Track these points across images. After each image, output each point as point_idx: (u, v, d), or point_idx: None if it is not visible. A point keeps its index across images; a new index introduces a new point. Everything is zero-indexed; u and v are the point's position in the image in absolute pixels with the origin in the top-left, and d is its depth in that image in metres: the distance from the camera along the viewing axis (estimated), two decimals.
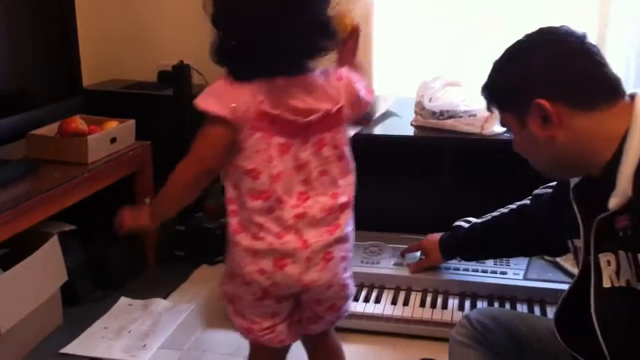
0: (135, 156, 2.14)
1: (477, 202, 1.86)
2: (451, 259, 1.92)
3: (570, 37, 1.16)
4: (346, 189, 1.34)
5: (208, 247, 2.32)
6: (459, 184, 2.20)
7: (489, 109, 1.27)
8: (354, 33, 1.37)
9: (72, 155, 1.94)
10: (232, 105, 1.24)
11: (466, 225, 1.81)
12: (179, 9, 2.77)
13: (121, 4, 2.85)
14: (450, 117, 2.15)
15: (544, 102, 1.12)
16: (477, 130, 2.09)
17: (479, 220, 1.78)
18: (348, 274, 1.39)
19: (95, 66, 2.69)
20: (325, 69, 1.31)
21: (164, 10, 2.81)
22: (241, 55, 1.26)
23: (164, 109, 2.57)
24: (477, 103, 2.10)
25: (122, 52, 2.87)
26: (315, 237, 1.30)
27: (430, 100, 2.18)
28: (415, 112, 2.23)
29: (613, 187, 1.08)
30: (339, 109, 1.29)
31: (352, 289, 1.43)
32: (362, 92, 1.35)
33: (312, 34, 1.24)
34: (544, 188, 1.50)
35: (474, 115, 2.10)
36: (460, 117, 2.13)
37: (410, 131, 2.22)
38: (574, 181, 1.25)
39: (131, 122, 2.15)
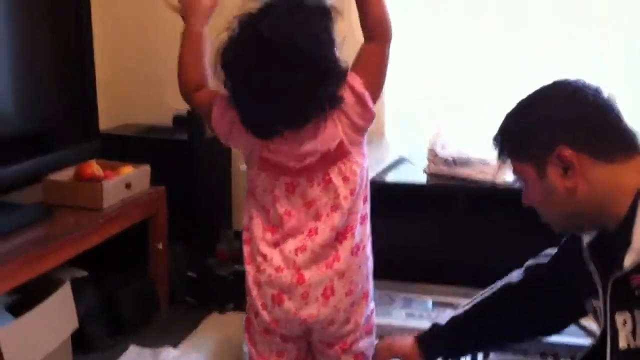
0: (150, 201, 2.15)
1: (489, 250, 1.85)
2: None
3: (587, 90, 1.17)
4: (351, 221, 1.32)
5: (219, 295, 2.31)
6: (472, 232, 2.18)
7: (500, 158, 1.25)
8: None
9: (87, 200, 1.95)
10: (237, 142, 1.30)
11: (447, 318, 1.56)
12: None
13: (137, 48, 2.90)
14: (463, 165, 2.15)
15: (568, 150, 1.11)
16: (489, 178, 2.09)
17: (461, 310, 1.54)
18: (361, 309, 1.35)
19: (111, 110, 2.73)
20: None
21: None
22: (236, 105, 1.26)
23: (178, 153, 2.59)
24: (490, 152, 2.10)
25: (137, 96, 2.91)
26: (313, 271, 1.29)
27: (443, 147, 2.18)
28: (428, 160, 2.24)
29: (628, 244, 1.07)
30: (339, 144, 1.28)
31: (371, 326, 1.39)
32: (355, 118, 1.29)
33: (306, 97, 1.22)
34: (535, 258, 1.46)
35: (487, 164, 2.10)
36: (473, 164, 2.13)
37: (423, 178, 2.22)
38: (586, 239, 1.23)
39: (146, 168, 2.17)
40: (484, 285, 1.88)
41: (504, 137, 1.20)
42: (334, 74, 1.23)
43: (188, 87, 1.37)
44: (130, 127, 2.78)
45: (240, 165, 2.38)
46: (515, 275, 1.50)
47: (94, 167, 2.04)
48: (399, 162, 2.38)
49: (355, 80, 1.27)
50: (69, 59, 2.16)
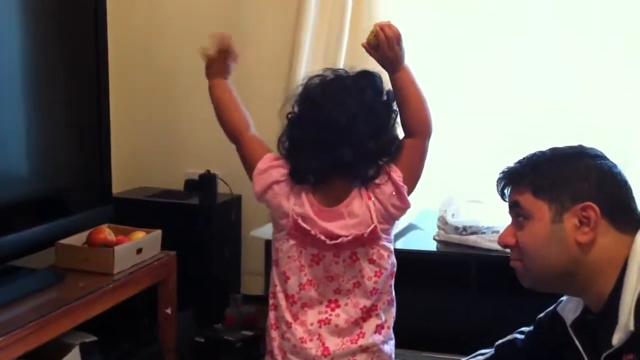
0: (160, 266, 2.15)
1: (500, 318, 1.84)
2: None
3: (610, 162, 1.21)
4: (376, 301, 1.37)
5: None
6: (482, 300, 2.18)
7: (514, 184, 1.26)
8: (379, 36, 1.37)
9: (99, 265, 1.96)
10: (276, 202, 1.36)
11: None
12: (207, 119, 2.83)
13: (151, 114, 2.96)
14: (473, 232, 2.17)
15: (596, 209, 1.12)
16: (500, 247, 2.09)
17: None
18: None
19: (124, 174, 2.76)
20: (365, 179, 1.35)
21: (193, 120, 2.90)
22: (292, 157, 1.36)
23: (189, 217, 2.61)
24: (500, 220, 2.12)
25: (150, 160, 2.95)
26: (338, 344, 1.33)
27: (453, 215, 2.20)
28: (438, 227, 2.25)
29: (616, 322, 1.07)
30: (372, 230, 1.32)
31: None
32: (390, 208, 1.36)
33: (363, 157, 1.33)
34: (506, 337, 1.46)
35: (497, 232, 2.11)
36: (483, 233, 2.15)
37: (432, 246, 2.23)
38: (569, 318, 1.24)
39: (157, 233, 2.18)
40: None
41: (533, 169, 1.23)
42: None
43: (236, 128, 1.46)
44: (142, 191, 2.81)
45: (250, 232, 2.39)
46: (484, 354, 1.49)
47: (106, 233, 2.06)
48: (408, 228, 2.39)
49: (396, 173, 1.35)
50: (85, 123, 2.19)
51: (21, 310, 1.71)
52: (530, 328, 1.45)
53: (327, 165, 1.32)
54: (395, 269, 1.42)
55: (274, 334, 1.37)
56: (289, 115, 1.39)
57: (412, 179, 1.38)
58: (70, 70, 2.12)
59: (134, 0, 2.88)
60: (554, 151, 1.26)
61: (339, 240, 1.32)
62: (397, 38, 1.37)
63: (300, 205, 1.33)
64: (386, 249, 1.37)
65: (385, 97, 1.37)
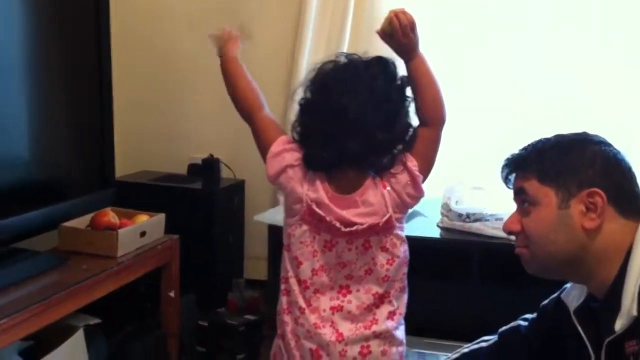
0: (164, 250, 2.16)
1: (502, 305, 1.84)
2: None
3: (615, 148, 1.22)
4: (389, 288, 1.38)
5: (230, 345, 2.30)
6: (485, 287, 2.18)
7: (520, 170, 1.25)
8: (393, 23, 1.36)
9: (102, 248, 1.96)
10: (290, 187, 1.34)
11: None
12: (210, 103, 2.85)
13: (154, 98, 2.95)
14: (476, 220, 2.16)
15: (603, 195, 1.13)
16: (503, 234, 2.09)
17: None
18: None
19: (127, 158, 2.76)
20: (379, 168, 1.35)
21: (196, 105, 2.90)
22: (304, 143, 1.35)
23: (192, 201, 2.61)
24: (503, 207, 2.12)
25: (153, 144, 2.95)
26: (351, 330, 1.34)
27: (457, 202, 2.20)
28: (442, 214, 2.25)
29: (619, 308, 1.07)
30: (387, 219, 1.33)
31: None
32: (405, 197, 1.36)
33: (372, 149, 1.32)
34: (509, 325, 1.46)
35: (501, 219, 2.11)
36: (487, 220, 2.14)
37: (436, 233, 2.23)
38: (573, 305, 1.24)
39: (161, 216, 2.18)
40: None
41: (539, 156, 1.23)
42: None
43: (251, 105, 1.44)
44: (145, 174, 2.80)
45: (254, 216, 2.39)
46: (487, 340, 1.49)
47: (110, 216, 2.06)
48: (411, 215, 2.39)
49: (412, 162, 1.34)
50: (87, 106, 2.19)
51: (25, 292, 1.71)
52: (534, 315, 1.45)
53: (334, 155, 1.31)
54: (408, 258, 1.42)
55: (287, 318, 1.36)
56: (302, 101, 1.38)
57: (426, 168, 1.38)
58: (72, 54, 2.11)
59: None
60: (559, 138, 1.26)
61: (354, 228, 1.31)
62: (412, 25, 1.36)
63: (315, 191, 1.32)
64: (399, 237, 1.37)
65: (399, 83, 1.35)
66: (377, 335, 1.35)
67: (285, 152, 1.35)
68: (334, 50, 2.63)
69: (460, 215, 2.18)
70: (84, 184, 2.16)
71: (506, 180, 1.31)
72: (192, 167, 2.84)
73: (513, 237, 1.94)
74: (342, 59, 1.37)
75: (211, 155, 2.79)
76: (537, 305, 1.65)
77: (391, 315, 1.38)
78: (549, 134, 2.43)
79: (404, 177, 1.34)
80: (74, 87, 2.12)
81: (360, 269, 1.35)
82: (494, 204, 2.15)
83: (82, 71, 2.15)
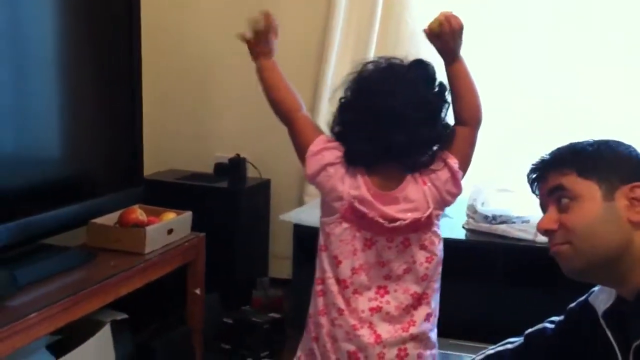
0: (190, 247, 2.18)
1: (527, 308, 1.83)
2: None
3: None
4: (426, 288, 1.38)
5: (254, 342, 2.31)
6: (510, 289, 2.17)
7: (540, 178, 1.25)
8: (443, 26, 1.37)
9: (130, 245, 1.98)
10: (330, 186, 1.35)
11: None
12: (237, 103, 2.87)
13: (182, 97, 2.98)
14: (502, 222, 2.16)
15: None
16: (530, 237, 2.09)
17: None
18: None
19: (154, 157, 2.78)
20: (419, 166, 1.36)
21: (223, 105, 2.92)
22: (346, 140, 1.36)
23: (218, 200, 2.63)
24: (530, 209, 2.10)
25: (180, 143, 2.98)
26: (390, 332, 1.33)
27: (482, 204, 2.19)
28: (468, 215, 2.24)
29: None
30: (428, 215, 1.34)
31: None
32: (445, 194, 1.37)
33: (416, 144, 1.33)
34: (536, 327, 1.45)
35: (527, 222, 2.11)
36: (513, 222, 2.13)
37: (462, 234, 2.22)
38: (601, 308, 1.22)
39: (188, 214, 2.20)
40: None
41: (574, 153, 1.22)
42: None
43: (290, 107, 1.43)
44: (172, 173, 2.83)
45: (279, 215, 2.41)
46: (513, 342, 1.48)
47: (138, 213, 2.08)
48: None
49: (452, 159, 1.36)
50: (117, 105, 2.22)
51: (54, 287, 1.74)
52: (561, 318, 1.43)
53: (380, 150, 1.32)
54: (443, 257, 1.42)
55: (323, 320, 1.35)
56: (342, 100, 1.39)
57: (464, 166, 1.39)
58: (104, 53, 2.14)
59: None
60: (593, 140, 1.25)
61: (397, 224, 1.31)
62: (460, 29, 1.38)
63: (356, 188, 1.33)
64: (437, 235, 1.38)
65: (437, 88, 1.37)
66: (413, 338, 1.35)
67: (325, 151, 1.36)
68: (363, 48, 2.64)
69: (486, 217, 2.17)
70: (113, 181, 2.19)
71: (534, 183, 1.30)
72: (219, 166, 2.86)
73: (544, 239, 1.92)
74: (383, 62, 1.38)
75: (237, 155, 2.81)
76: (563, 308, 1.63)
77: (429, 317, 1.38)
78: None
79: (444, 174, 1.35)
80: (105, 86, 2.15)
81: (399, 267, 1.35)
82: (520, 206, 2.14)
83: (112, 70, 2.18)
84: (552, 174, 1.23)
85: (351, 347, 1.33)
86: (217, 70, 2.89)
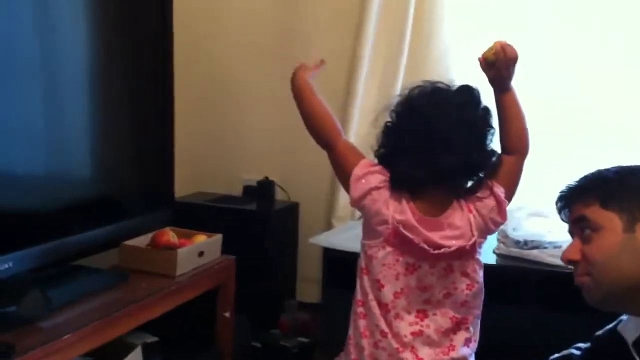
0: (220, 270, 2.18)
1: (557, 334, 1.80)
2: None
3: None
4: (466, 314, 1.38)
5: None
6: (540, 315, 2.14)
7: (566, 208, 1.24)
8: (498, 55, 1.37)
9: (161, 267, 1.99)
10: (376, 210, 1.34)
11: None
12: (265, 126, 2.89)
13: (211, 120, 3.00)
14: (534, 247, 2.14)
15: None
16: (562, 263, 2.05)
17: None
18: None
19: (184, 179, 2.80)
20: (464, 192, 1.37)
21: (252, 127, 2.94)
22: (391, 163, 1.37)
23: (247, 223, 2.64)
24: (563, 235, 2.08)
25: (209, 166, 3.00)
26: (430, 355, 1.34)
27: (514, 229, 2.17)
28: (498, 240, 2.23)
29: None
30: (473, 243, 1.33)
31: None
32: (489, 223, 1.37)
33: (465, 168, 1.34)
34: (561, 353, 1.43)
35: (560, 247, 2.08)
36: (545, 248, 2.11)
37: (492, 259, 2.20)
38: (632, 336, 1.21)
39: (218, 237, 2.21)
40: None
41: (599, 183, 1.22)
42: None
43: (330, 132, 1.44)
44: (201, 195, 2.85)
45: (309, 238, 2.41)
46: None
47: (170, 235, 2.10)
48: None
49: (498, 188, 1.36)
50: (149, 128, 2.24)
51: (87, 308, 1.75)
52: (587, 345, 1.42)
53: (428, 173, 1.32)
54: (483, 284, 1.41)
55: (364, 342, 1.36)
56: (388, 124, 1.39)
57: (510, 196, 1.40)
58: (136, 75, 2.17)
59: (197, 7, 2.93)
60: (620, 167, 1.25)
61: (441, 251, 1.31)
62: (515, 59, 1.38)
63: (401, 213, 1.33)
64: (479, 263, 1.38)
65: (484, 111, 1.37)
66: None
67: (369, 175, 1.36)
68: (391, 76, 2.64)
69: (517, 242, 2.15)
70: (144, 203, 2.20)
71: (561, 211, 1.30)
72: (247, 189, 2.87)
73: (571, 267, 1.90)
74: (429, 85, 1.38)
75: (266, 178, 2.83)
76: (594, 334, 1.62)
77: (467, 342, 1.38)
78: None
79: (490, 202, 1.35)
80: (136, 108, 2.17)
81: (439, 293, 1.35)
82: (553, 231, 2.12)
83: (145, 93, 2.21)
84: (576, 204, 1.24)
85: None
86: (246, 93, 2.92)
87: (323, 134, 1.44)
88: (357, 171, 1.36)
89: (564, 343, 1.71)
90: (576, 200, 1.25)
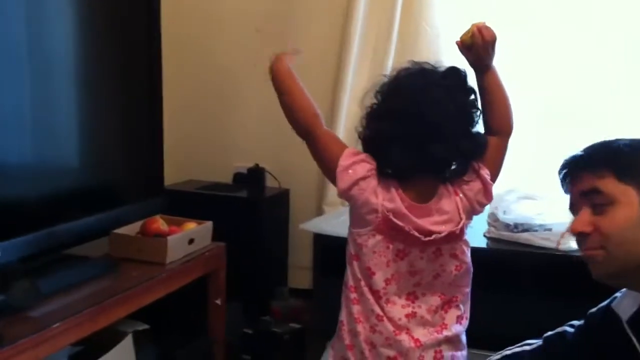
0: (211, 257, 2.18)
1: (549, 316, 1.81)
2: None
3: None
4: (455, 292, 1.39)
5: (275, 353, 2.31)
6: (532, 297, 2.15)
7: (571, 178, 1.23)
8: (475, 37, 1.37)
9: (152, 255, 1.99)
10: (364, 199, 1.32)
11: None
12: (255, 114, 2.88)
13: (201, 108, 2.98)
14: (525, 230, 2.14)
15: None
16: (552, 245, 2.06)
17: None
18: None
19: (174, 167, 2.79)
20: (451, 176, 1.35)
21: (242, 115, 2.93)
22: (378, 151, 1.34)
23: (237, 210, 2.63)
24: (553, 217, 2.09)
25: (200, 154, 2.98)
26: (426, 335, 1.34)
27: (504, 212, 2.17)
28: (489, 224, 2.23)
29: None
30: (461, 227, 1.34)
31: None
32: (475, 205, 1.37)
33: (456, 157, 1.33)
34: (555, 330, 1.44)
35: (550, 230, 2.09)
36: (536, 230, 2.11)
37: (483, 243, 2.21)
38: (626, 314, 1.21)
39: (209, 224, 2.21)
40: None
41: (612, 154, 1.19)
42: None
43: (310, 121, 1.39)
44: (191, 183, 2.84)
45: (299, 225, 2.40)
46: (531, 344, 1.47)
47: (159, 223, 2.09)
48: None
49: (484, 170, 1.36)
50: (138, 116, 2.23)
51: (76, 297, 1.74)
52: (581, 322, 1.42)
53: (417, 162, 1.30)
54: (471, 264, 1.42)
55: (359, 327, 1.35)
56: (374, 106, 1.36)
57: (495, 177, 1.40)
58: (125, 63, 2.15)
59: None
60: (631, 139, 1.23)
61: (432, 237, 1.31)
62: (493, 41, 1.38)
63: (390, 201, 1.31)
64: (467, 244, 1.38)
65: (472, 96, 1.36)
66: (447, 340, 1.36)
67: (355, 165, 1.34)
68: (381, 59, 2.63)
69: (507, 225, 2.15)
70: (134, 191, 2.20)
71: (564, 180, 1.27)
72: (238, 176, 2.86)
73: (566, 247, 1.89)
74: (416, 67, 1.36)
75: (257, 165, 2.82)
76: (585, 315, 1.62)
77: (459, 319, 1.39)
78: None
79: (476, 185, 1.35)
80: (126, 96, 2.17)
81: (429, 275, 1.35)
82: (543, 214, 2.12)
83: (134, 81, 2.20)
84: (586, 175, 1.20)
85: (391, 353, 1.33)
86: (237, 81, 2.90)
87: (301, 123, 1.39)
88: (343, 161, 1.34)
89: (555, 324, 1.72)
90: (586, 171, 1.21)
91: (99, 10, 2.03)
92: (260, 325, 2.37)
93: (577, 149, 1.29)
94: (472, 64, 1.41)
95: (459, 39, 1.41)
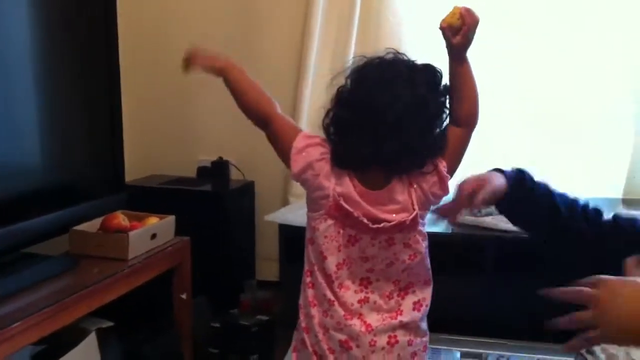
0: (175, 251, 2.16)
1: (516, 298, 1.83)
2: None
3: None
4: (411, 279, 1.37)
5: (243, 346, 2.29)
6: (498, 281, 2.17)
7: None
8: (464, 19, 1.33)
9: (113, 251, 1.96)
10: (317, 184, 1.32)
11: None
12: (219, 106, 2.84)
13: (163, 101, 2.95)
14: (488, 214, 2.15)
15: None
16: (515, 228, 2.07)
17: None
18: None
19: (136, 162, 2.76)
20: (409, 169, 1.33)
21: (204, 107, 2.90)
22: (334, 141, 1.33)
23: (202, 204, 2.61)
24: None
25: (162, 148, 2.96)
26: (379, 320, 1.34)
27: None
28: None
29: None
30: (413, 217, 1.32)
31: None
32: (430, 196, 1.35)
33: (407, 154, 1.29)
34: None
35: None
36: (499, 215, 2.12)
37: (447, 228, 2.22)
38: None
39: (171, 218, 2.18)
40: (511, 336, 1.84)
41: None
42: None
43: (266, 112, 1.39)
44: (155, 178, 2.81)
45: (264, 216, 2.39)
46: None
47: (120, 218, 2.06)
48: None
49: (442, 164, 1.33)
50: (97, 111, 2.19)
51: (36, 296, 1.71)
52: None
53: (371, 155, 1.28)
54: (427, 253, 1.41)
55: (314, 311, 1.35)
56: (340, 89, 1.34)
57: (454, 168, 1.37)
58: (82, 59, 2.11)
59: None
60: None
61: (381, 225, 1.30)
62: (477, 25, 1.34)
63: (342, 186, 1.30)
64: (422, 234, 1.36)
65: (441, 93, 1.33)
66: (403, 326, 1.35)
67: (309, 147, 1.33)
68: (343, 48, 2.63)
69: (472, 210, 2.16)
70: (94, 188, 2.16)
71: None
72: (202, 170, 2.84)
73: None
74: (389, 58, 1.33)
75: (220, 158, 2.80)
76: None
77: (417, 305, 1.38)
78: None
79: (432, 178, 1.33)
80: (84, 92, 2.13)
81: (382, 262, 1.34)
82: None
83: (91, 76, 2.15)
84: None
85: (342, 337, 1.33)
86: (197, 74, 2.87)
87: (258, 116, 1.39)
88: (297, 144, 1.33)
89: (523, 307, 1.73)
90: None
91: (56, 5, 1.99)
92: (228, 319, 2.35)
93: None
94: (452, 50, 1.37)
95: (443, 23, 1.36)
